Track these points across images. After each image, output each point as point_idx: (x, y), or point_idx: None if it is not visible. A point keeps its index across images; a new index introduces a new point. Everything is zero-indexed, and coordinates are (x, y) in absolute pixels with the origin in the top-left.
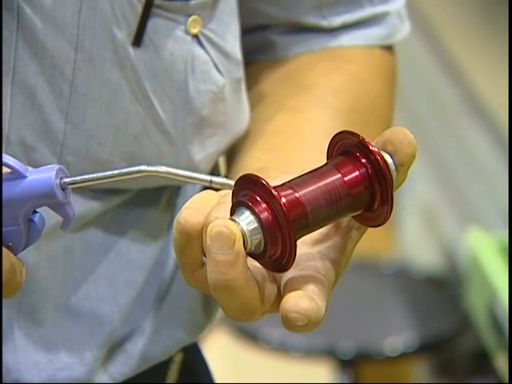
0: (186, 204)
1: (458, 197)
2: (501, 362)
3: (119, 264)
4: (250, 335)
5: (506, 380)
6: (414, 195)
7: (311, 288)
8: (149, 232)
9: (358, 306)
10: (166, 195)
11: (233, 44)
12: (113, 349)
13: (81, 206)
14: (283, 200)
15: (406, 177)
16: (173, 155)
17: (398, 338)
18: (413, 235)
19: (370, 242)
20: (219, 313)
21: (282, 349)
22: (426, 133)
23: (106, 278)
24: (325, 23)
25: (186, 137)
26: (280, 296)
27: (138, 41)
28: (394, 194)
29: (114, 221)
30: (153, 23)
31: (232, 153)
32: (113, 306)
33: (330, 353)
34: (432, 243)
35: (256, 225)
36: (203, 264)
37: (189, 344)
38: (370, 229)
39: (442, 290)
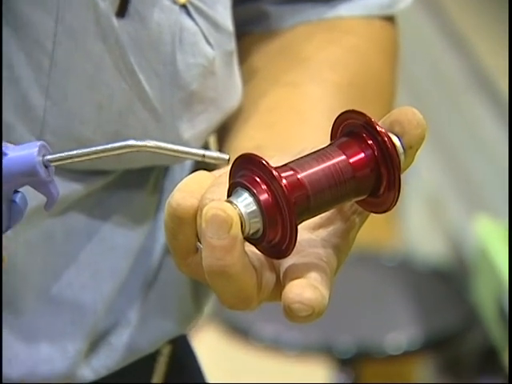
0: (178, 186)
1: (465, 182)
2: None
3: (103, 250)
4: (240, 332)
5: None
6: (418, 181)
7: (314, 276)
8: (134, 216)
9: (358, 300)
10: (153, 177)
11: (223, 14)
12: (96, 340)
13: (61, 188)
14: (284, 181)
15: (413, 160)
16: (160, 133)
17: (400, 335)
18: (417, 224)
19: (371, 231)
20: (209, 306)
21: (276, 346)
22: (431, 113)
23: (89, 266)
24: None
25: (174, 114)
26: (279, 284)
27: (122, 11)
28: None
29: (98, 204)
30: None
31: (223, 131)
32: (96, 295)
33: (327, 351)
34: (437, 232)
35: (255, 207)
36: (196, 249)
37: (177, 336)
38: (370, 217)
39: (447, 283)
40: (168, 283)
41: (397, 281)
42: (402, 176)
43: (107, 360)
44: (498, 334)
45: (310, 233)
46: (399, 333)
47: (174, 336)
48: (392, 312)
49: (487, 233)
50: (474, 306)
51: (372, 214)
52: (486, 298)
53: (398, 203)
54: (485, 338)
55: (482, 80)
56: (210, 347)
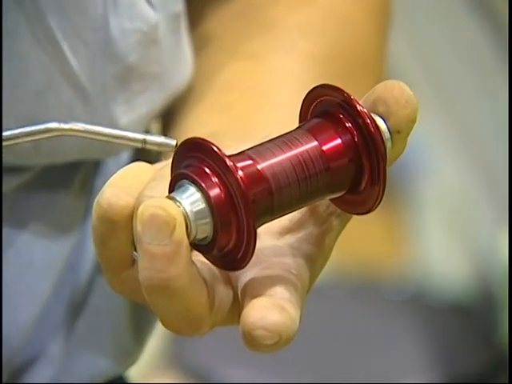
0: (110, 181)
1: (496, 188)
2: None
3: (19, 267)
4: (204, 378)
5: None
6: (436, 184)
7: (280, 293)
8: (57, 224)
9: (358, 342)
10: (81, 174)
11: None
12: (11, 378)
13: None
14: (240, 173)
15: (404, 148)
16: (89, 118)
17: None
18: (432, 243)
19: (372, 253)
20: (164, 345)
21: None
22: (449, 94)
23: (2, 286)
24: None
25: (107, 93)
26: (236, 303)
27: None
28: (393, 173)
29: (11, 210)
30: None
31: (169, 116)
32: (11, 324)
33: None
34: (459, 254)
35: (203, 205)
36: (133, 261)
37: (113, 376)
38: (371, 235)
39: (470, 320)
40: (100, 309)
41: (406, 318)
42: (415, 179)
43: None
44: None
45: (276, 238)
46: (410, 382)
47: (108, 376)
48: (401, 356)
49: None
50: (503, 347)
51: (372, 230)
52: None
53: (408, 216)
54: None
55: None
56: None
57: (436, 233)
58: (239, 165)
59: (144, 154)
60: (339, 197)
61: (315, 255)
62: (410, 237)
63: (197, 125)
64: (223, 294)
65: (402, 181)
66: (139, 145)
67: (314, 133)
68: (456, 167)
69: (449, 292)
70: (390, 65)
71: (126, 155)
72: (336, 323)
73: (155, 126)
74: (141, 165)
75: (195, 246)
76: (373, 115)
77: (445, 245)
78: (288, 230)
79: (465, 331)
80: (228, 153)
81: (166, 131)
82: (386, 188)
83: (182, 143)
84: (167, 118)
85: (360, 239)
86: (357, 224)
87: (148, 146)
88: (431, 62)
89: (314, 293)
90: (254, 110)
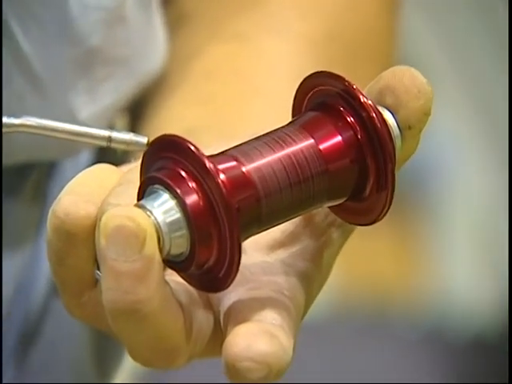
0: (67, 187)
1: None
2: None
3: None
4: None
5: None
6: (459, 192)
7: (270, 317)
8: (6, 239)
9: None
10: (32, 179)
11: None
12: None
13: None
14: (222, 176)
15: (416, 146)
16: (44, 110)
17: None
18: (454, 264)
19: (381, 276)
20: (128, 378)
21: None
22: (475, 83)
23: None
24: None
25: (65, 81)
26: (218, 330)
27: None
28: (403, 177)
29: None
30: None
31: (139, 108)
32: None
33: None
34: (486, 277)
35: (178, 215)
36: (96, 281)
37: None
38: (379, 253)
39: (497, 359)
40: (56, 338)
41: (423, 358)
42: (439, 193)
43: None
44: None
45: (265, 254)
46: None
47: None
48: None
49: None
50: None
51: (379, 247)
52: None
53: (423, 229)
54: None
55: None
56: None
57: (457, 250)
58: (221, 167)
59: (107, 155)
60: (340, 204)
61: (312, 273)
62: (426, 255)
63: (171, 119)
64: (202, 319)
65: (415, 186)
66: (103, 143)
67: (309, 129)
68: (483, 170)
69: (472, 325)
70: (402, 48)
71: (85, 156)
72: (339, 366)
73: (121, 121)
74: (104, 167)
75: (169, 262)
76: (379, 108)
77: (468, 265)
78: (280, 244)
79: (490, 372)
80: (208, 153)
81: (134, 127)
82: (395, 194)
83: (154, 141)
84: (136, 112)
85: (365, 258)
86: (361, 239)
87: (114, 145)
88: (453, 44)
89: (312, 330)
90: (238, 101)
